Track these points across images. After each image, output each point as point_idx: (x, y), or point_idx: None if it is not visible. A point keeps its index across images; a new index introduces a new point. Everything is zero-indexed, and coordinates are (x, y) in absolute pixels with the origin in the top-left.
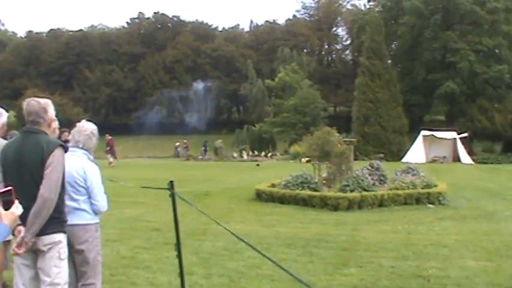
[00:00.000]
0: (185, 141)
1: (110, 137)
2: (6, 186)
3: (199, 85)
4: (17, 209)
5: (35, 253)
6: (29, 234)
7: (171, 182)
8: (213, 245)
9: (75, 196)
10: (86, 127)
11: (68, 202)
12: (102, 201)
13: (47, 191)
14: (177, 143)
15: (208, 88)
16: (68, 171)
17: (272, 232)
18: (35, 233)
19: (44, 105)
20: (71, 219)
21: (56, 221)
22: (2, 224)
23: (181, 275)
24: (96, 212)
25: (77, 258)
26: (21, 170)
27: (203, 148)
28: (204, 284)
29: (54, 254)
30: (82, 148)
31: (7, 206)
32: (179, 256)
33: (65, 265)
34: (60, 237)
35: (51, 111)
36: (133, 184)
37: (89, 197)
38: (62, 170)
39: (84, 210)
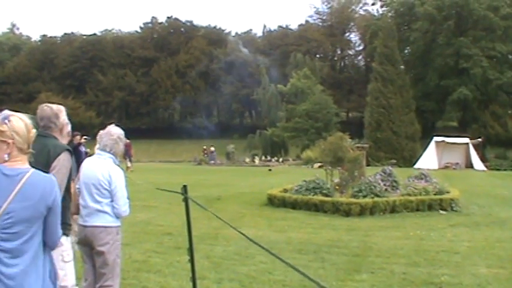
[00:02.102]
0: (205, 147)
1: (127, 141)
2: None
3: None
4: None
5: None
6: None
7: (185, 186)
8: (224, 249)
9: (98, 198)
10: (114, 131)
11: (91, 204)
12: (123, 205)
13: None
14: (212, 147)
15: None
16: (93, 174)
17: (283, 237)
18: None
19: (56, 111)
20: (93, 221)
21: None
22: None
23: (193, 279)
24: (117, 216)
25: (97, 260)
26: None
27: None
28: None
29: (57, 256)
30: (109, 152)
31: None
32: (192, 261)
33: (70, 267)
34: (62, 239)
35: (63, 117)
36: (146, 187)
37: (112, 200)
38: (67, 174)
39: (106, 212)
